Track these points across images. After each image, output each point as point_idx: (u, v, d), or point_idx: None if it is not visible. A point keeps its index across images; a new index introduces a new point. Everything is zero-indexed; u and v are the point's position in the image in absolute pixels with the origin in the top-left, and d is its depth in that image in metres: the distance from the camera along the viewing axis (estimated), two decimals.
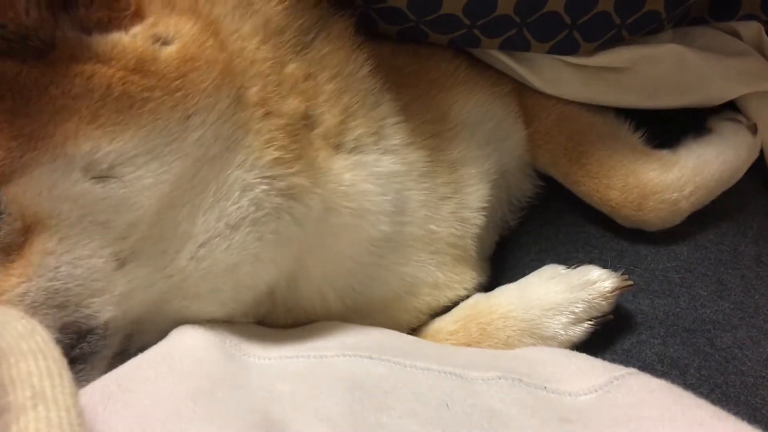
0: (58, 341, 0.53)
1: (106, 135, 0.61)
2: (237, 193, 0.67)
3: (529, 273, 0.86)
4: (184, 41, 0.66)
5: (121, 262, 0.64)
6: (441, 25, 0.86)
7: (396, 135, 0.80)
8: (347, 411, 0.57)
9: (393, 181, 0.78)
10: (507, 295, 0.84)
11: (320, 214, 0.71)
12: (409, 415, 0.58)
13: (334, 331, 0.73)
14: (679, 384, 0.64)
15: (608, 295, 0.79)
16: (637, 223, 0.90)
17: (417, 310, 0.84)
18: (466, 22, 0.85)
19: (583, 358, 0.70)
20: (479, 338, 0.81)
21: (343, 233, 0.74)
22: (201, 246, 0.66)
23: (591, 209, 0.93)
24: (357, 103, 0.77)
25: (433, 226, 0.82)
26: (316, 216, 0.71)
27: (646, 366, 0.77)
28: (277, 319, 0.77)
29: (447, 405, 0.60)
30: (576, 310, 0.79)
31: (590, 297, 0.79)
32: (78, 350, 0.63)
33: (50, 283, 0.62)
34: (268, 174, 0.67)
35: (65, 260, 0.62)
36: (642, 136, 0.94)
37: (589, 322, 0.79)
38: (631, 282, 0.81)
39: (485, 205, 0.88)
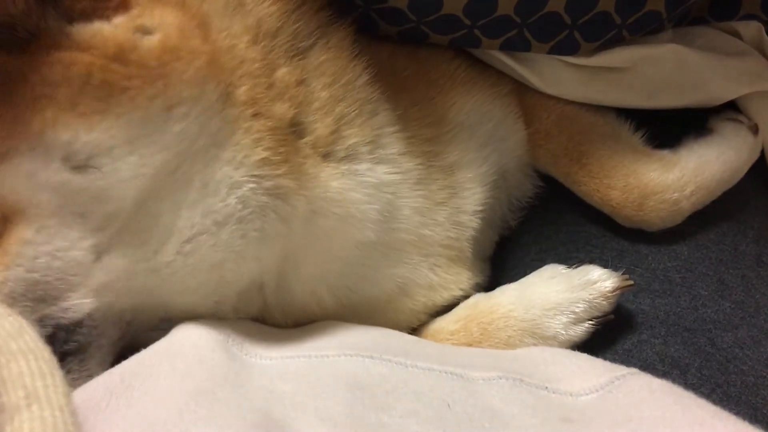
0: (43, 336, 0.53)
1: (84, 124, 0.61)
2: (225, 190, 0.66)
3: (529, 273, 0.86)
4: (167, 32, 0.66)
5: (100, 254, 0.64)
6: (441, 26, 0.86)
7: (393, 144, 0.80)
8: (348, 411, 0.57)
9: (384, 191, 0.77)
10: (508, 294, 0.84)
11: (306, 215, 0.71)
12: (410, 414, 0.58)
13: (335, 330, 0.73)
14: (680, 384, 0.64)
15: (609, 294, 0.79)
16: (637, 223, 0.90)
17: (413, 311, 0.84)
18: (467, 22, 0.85)
19: (584, 358, 0.70)
20: (480, 338, 0.81)
21: (331, 235, 0.74)
22: (187, 241, 0.66)
23: (592, 209, 0.93)
24: (354, 111, 0.77)
25: (426, 231, 0.82)
26: (302, 216, 0.71)
27: (647, 366, 0.77)
28: (275, 319, 0.77)
29: (448, 405, 0.60)
30: (577, 310, 0.79)
31: (591, 297, 0.79)
32: (73, 343, 0.63)
33: (29, 275, 0.62)
34: (256, 173, 0.67)
35: (44, 251, 0.62)
36: (643, 136, 0.94)
37: (590, 322, 0.79)
38: (631, 282, 0.81)
39: (482, 208, 0.88)
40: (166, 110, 0.64)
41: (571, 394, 0.63)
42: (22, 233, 0.62)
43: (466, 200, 0.87)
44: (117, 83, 0.62)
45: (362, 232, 0.75)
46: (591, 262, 0.84)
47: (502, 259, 0.98)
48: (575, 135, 0.93)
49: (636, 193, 0.88)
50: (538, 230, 0.97)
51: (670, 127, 0.95)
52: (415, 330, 0.86)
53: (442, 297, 0.85)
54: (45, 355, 0.50)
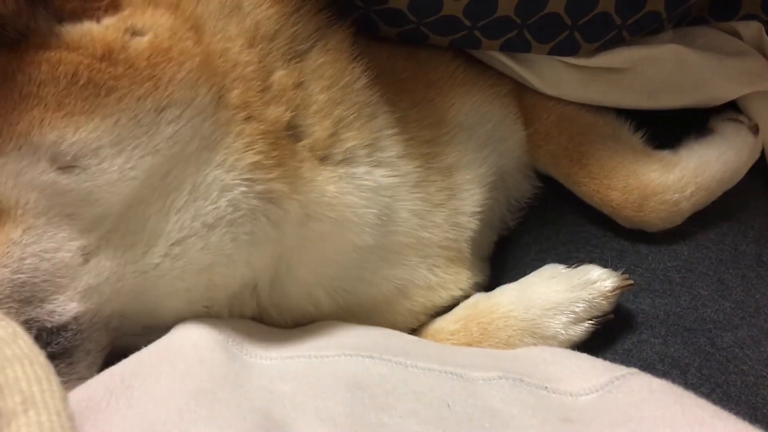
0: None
1: (71, 124, 0.61)
2: (215, 193, 0.66)
3: (529, 272, 0.86)
4: (158, 33, 0.66)
5: (88, 256, 0.64)
6: (441, 27, 0.86)
7: (392, 147, 0.80)
8: (348, 411, 0.57)
9: (382, 194, 0.77)
10: (507, 294, 0.84)
11: (299, 219, 0.71)
12: (411, 414, 0.58)
13: (335, 331, 0.73)
14: (680, 383, 0.64)
15: (609, 294, 0.79)
16: (638, 224, 0.90)
17: (411, 312, 0.84)
18: (467, 23, 0.85)
19: (584, 357, 0.70)
20: (480, 338, 0.81)
21: (326, 239, 0.74)
22: (175, 244, 0.66)
23: (592, 209, 0.93)
24: (352, 114, 0.77)
25: (425, 233, 0.82)
26: (294, 220, 0.70)
27: (647, 365, 0.77)
28: (272, 319, 0.77)
29: (448, 405, 0.60)
30: (577, 310, 0.79)
31: (591, 296, 0.79)
32: (56, 345, 0.63)
33: (16, 276, 0.62)
34: (248, 176, 0.67)
35: (31, 252, 0.62)
36: (643, 137, 0.94)
37: (590, 322, 0.79)
38: (631, 281, 0.81)
39: (480, 209, 0.88)
40: (156, 112, 0.64)
41: (571, 394, 0.63)
42: (9, 234, 0.62)
43: (465, 201, 0.87)
44: (104, 83, 0.62)
45: (360, 236, 0.75)
46: (591, 262, 0.84)
47: (502, 259, 0.98)
48: (575, 136, 0.93)
49: (636, 193, 0.88)
50: (538, 230, 0.97)
51: (670, 128, 0.95)
52: (414, 330, 0.86)
53: (441, 297, 0.85)
54: (40, 359, 0.50)
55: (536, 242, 0.96)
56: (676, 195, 0.88)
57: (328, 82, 0.76)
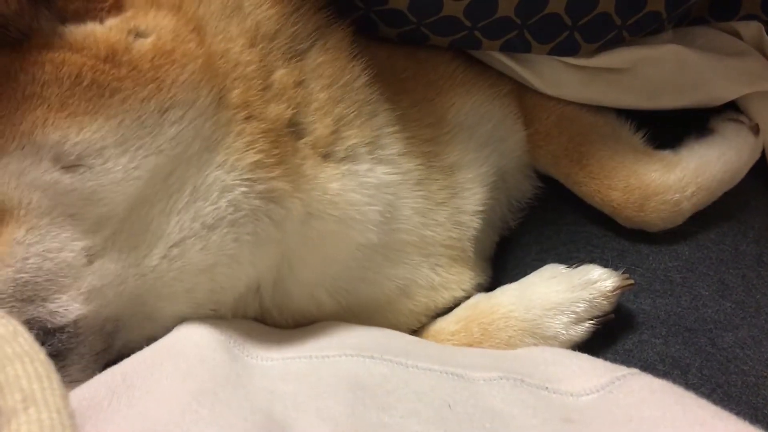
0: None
1: (75, 124, 0.61)
2: (215, 194, 0.66)
3: (530, 273, 0.86)
4: (161, 35, 0.66)
5: (92, 258, 0.64)
6: (442, 28, 0.87)
7: (393, 145, 0.80)
8: (349, 411, 0.57)
9: (384, 191, 0.77)
10: (508, 295, 0.84)
11: (302, 218, 0.71)
12: (411, 414, 0.58)
13: (336, 331, 0.73)
14: (680, 384, 0.64)
15: (609, 294, 0.79)
16: (638, 224, 0.90)
17: (413, 312, 0.84)
18: (467, 24, 0.85)
19: (585, 358, 0.70)
20: (481, 338, 0.81)
21: (329, 238, 0.74)
22: (174, 246, 0.66)
23: (592, 209, 0.93)
24: (353, 113, 0.77)
25: (427, 232, 0.82)
26: (297, 219, 0.70)
27: (648, 366, 0.77)
28: (274, 320, 0.77)
29: (449, 405, 0.60)
30: (577, 310, 0.79)
31: (591, 296, 0.79)
32: (49, 347, 0.62)
33: (18, 275, 0.62)
34: (248, 176, 0.67)
35: (34, 252, 0.62)
36: (644, 137, 0.94)
37: (591, 322, 0.79)
38: (632, 281, 0.81)
39: (483, 208, 0.88)
40: (160, 113, 0.64)
41: (571, 395, 0.63)
42: (12, 233, 0.62)
43: (467, 200, 0.87)
44: (108, 84, 0.62)
45: (363, 234, 0.75)
46: (592, 262, 0.84)
47: (502, 259, 0.98)
48: (575, 136, 0.93)
49: (637, 193, 0.88)
50: (538, 230, 0.97)
51: (671, 128, 0.95)
52: (415, 331, 0.86)
53: (444, 298, 0.85)
54: (41, 357, 0.50)
55: (537, 242, 0.96)
56: (677, 195, 0.88)
57: (328, 81, 0.76)
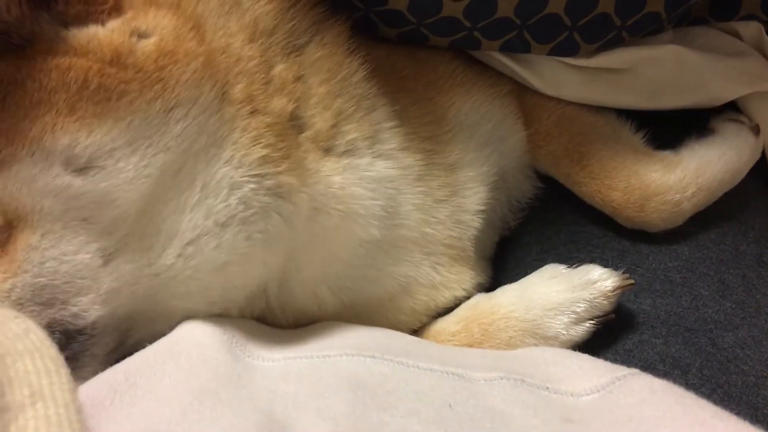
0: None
1: (84, 128, 0.62)
2: (225, 191, 0.67)
3: (530, 273, 0.86)
4: (163, 35, 0.66)
5: (108, 259, 0.64)
6: (441, 28, 0.87)
7: (392, 139, 0.80)
8: (350, 410, 0.57)
9: (386, 185, 0.78)
10: (508, 295, 0.84)
11: (309, 213, 0.71)
12: (412, 414, 0.58)
13: (336, 331, 0.73)
14: (680, 384, 0.64)
15: (610, 294, 0.79)
16: (639, 224, 0.90)
17: (414, 311, 0.84)
18: (467, 24, 0.85)
19: (585, 358, 0.70)
20: (481, 339, 0.81)
21: (333, 234, 0.74)
22: (189, 244, 0.66)
23: (592, 209, 0.93)
24: (351, 107, 0.77)
25: (428, 229, 0.82)
26: (304, 215, 0.71)
27: (648, 366, 0.77)
28: (276, 319, 0.77)
29: (449, 405, 0.60)
30: (577, 310, 0.79)
31: (592, 296, 0.79)
32: (68, 350, 0.63)
33: (36, 280, 0.62)
34: (256, 172, 0.67)
35: (50, 256, 0.62)
36: (644, 137, 0.94)
37: (591, 322, 0.79)
38: (632, 281, 0.81)
39: (483, 207, 0.88)
40: (165, 112, 0.65)
41: (572, 395, 0.63)
42: (27, 239, 0.62)
43: (468, 199, 0.87)
44: (115, 87, 0.63)
45: (366, 229, 0.75)
46: (592, 262, 0.84)
47: (503, 260, 0.98)
48: (576, 136, 0.93)
49: (637, 194, 0.88)
50: (539, 230, 0.97)
51: (671, 128, 0.95)
52: (416, 331, 0.86)
53: (444, 297, 0.85)
54: (51, 352, 0.50)
55: (537, 242, 0.96)
56: (678, 195, 0.88)
57: (327, 75, 0.76)
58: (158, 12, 0.68)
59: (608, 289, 0.79)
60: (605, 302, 0.79)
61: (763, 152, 0.96)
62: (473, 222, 0.87)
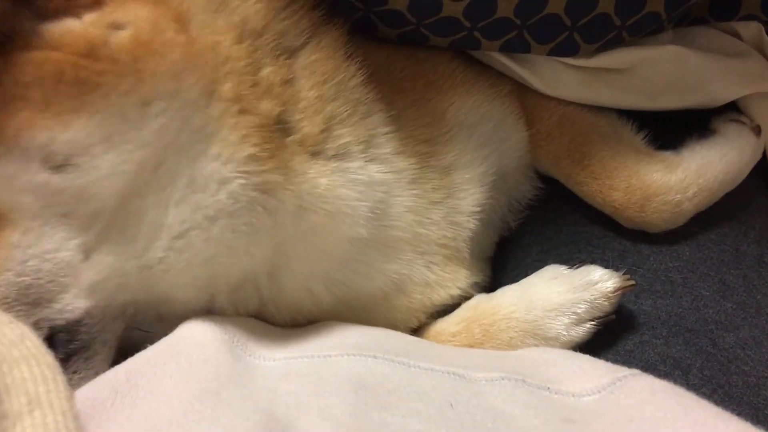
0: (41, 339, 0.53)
1: (60, 123, 0.61)
2: (214, 186, 0.67)
3: (531, 273, 0.86)
4: (139, 26, 0.65)
5: (88, 253, 0.64)
6: (441, 28, 0.87)
7: (387, 144, 0.80)
8: (351, 410, 0.57)
9: (376, 189, 0.77)
10: (509, 296, 0.84)
11: (295, 210, 0.71)
12: (413, 414, 0.58)
13: (337, 331, 0.73)
14: (681, 384, 0.64)
15: (610, 295, 0.79)
16: (640, 225, 0.90)
17: (410, 309, 0.84)
18: (467, 24, 0.85)
19: (586, 358, 0.70)
20: (482, 339, 0.81)
21: (322, 231, 0.74)
22: (178, 237, 0.66)
23: (593, 209, 0.93)
24: (346, 111, 0.77)
25: (421, 230, 0.82)
26: (290, 211, 0.71)
27: (649, 366, 0.77)
28: (271, 315, 0.77)
29: (450, 405, 0.60)
30: (578, 311, 0.79)
31: (592, 297, 0.79)
32: (77, 342, 0.63)
33: (20, 279, 0.62)
34: (244, 169, 0.67)
35: (32, 253, 0.62)
36: (645, 138, 0.94)
37: (592, 323, 0.79)
38: (633, 282, 0.81)
39: (479, 209, 0.88)
40: (142, 106, 0.64)
41: (573, 395, 0.63)
42: (8, 237, 0.62)
43: (463, 201, 0.87)
44: (89, 80, 0.62)
45: (353, 228, 0.75)
46: (592, 262, 0.84)
47: (503, 260, 0.98)
48: (577, 136, 0.93)
49: (638, 194, 0.88)
50: (539, 231, 0.97)
51: (672, 128, 0.95)
52: (416, 332, 0.86)
53: (440, 296, 0.85)
54: (47, 359, 0.50)
55: (537, 243, 0.96)
56: (679, 196, 0.88)
57: (321, 79, 0.76)
58: (137, 4, 0.67)
59: (609, 290, 0.79)
60: (606, 303, 0.79)
61: (764, 153, 0.96)
62: (468, 223, 0.87)
